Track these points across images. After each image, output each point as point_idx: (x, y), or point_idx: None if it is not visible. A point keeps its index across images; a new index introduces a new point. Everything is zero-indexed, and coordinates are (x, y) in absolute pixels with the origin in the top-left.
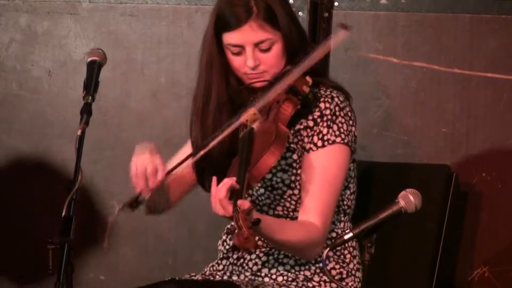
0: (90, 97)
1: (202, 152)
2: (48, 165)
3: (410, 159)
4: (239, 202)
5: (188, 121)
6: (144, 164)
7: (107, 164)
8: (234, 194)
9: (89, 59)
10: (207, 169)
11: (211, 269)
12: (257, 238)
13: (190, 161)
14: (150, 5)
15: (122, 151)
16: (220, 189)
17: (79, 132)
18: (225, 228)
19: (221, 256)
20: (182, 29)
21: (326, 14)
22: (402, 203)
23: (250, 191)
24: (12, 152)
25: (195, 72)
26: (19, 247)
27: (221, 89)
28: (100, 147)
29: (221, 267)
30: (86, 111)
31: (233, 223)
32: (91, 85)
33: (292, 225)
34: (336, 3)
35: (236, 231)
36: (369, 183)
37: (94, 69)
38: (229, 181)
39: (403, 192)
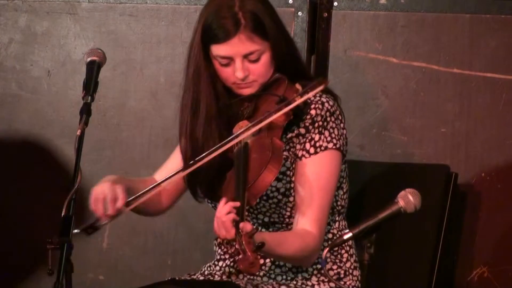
0: (89, 97)
1: (193, 167)
2: (48, 165)
3: (410, 159)
4: (241, 225)
5: None
6: (104, 191)
7: (107, 164)
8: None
9: (89, 59)
10: (199, 182)
11: (209, 269)
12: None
13: (180, 175)
14: (150, 5)
15: (122, 151)
16: (220, 213)
17: (78, 132)
18: None
19: (218, 257)
20: (181, 29)
21: (326, 14)
22: (401, 203)
23: (253, 206)
24: (11, 152)
25: None
26: (19, 247)
27: (210, 100)
28: (100, 147)
29: (218, 267)
30: (86, 111)
31: (236, 246)
32: (90, 85)
33: (289, 238)
34: (335, 3)
35: (240, 255)
36: (368, 183)
37: (93, 69)
38: (229, 204)
39: (402, 192)
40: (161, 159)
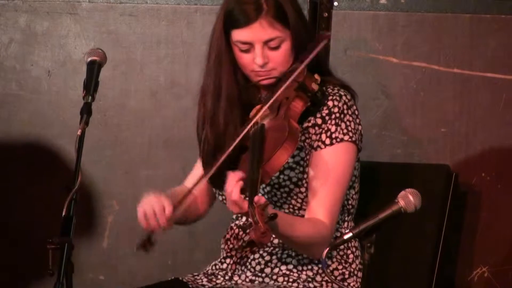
0: (89, 97)
1: (215, 167)
2: (48, 165)
3: (410, 159)
4: (256, 198)
5: (186, 121)
6: (151, 205)
7: (107, 164)
8: (248, 191)
9: (89, 59)
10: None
11: (214, 268)
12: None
13: (204, 180)
14: (150, 5)
15: (122, 151)
16: (233, 189)
17: (79, 132)
18: (228, 228)
19: (224, 255)
20: (182, 29)
21: (326, 14)
22: (401, 203)
23: (266, 183)
24: (11, 152)
25: (194, 72)
26: (19, 247)
27: (231, 85)
28: (100, 147)
29: (224, 265)
30: (86, 111)
31: (248, 219)
32: (90, 85)
33: (302, 221)
34: (335, 3)
35: (253, 226)
36: (368, 183)
37: (94, 69)
38: (240, 180)
39: (402, 192)
40: (161, 159)
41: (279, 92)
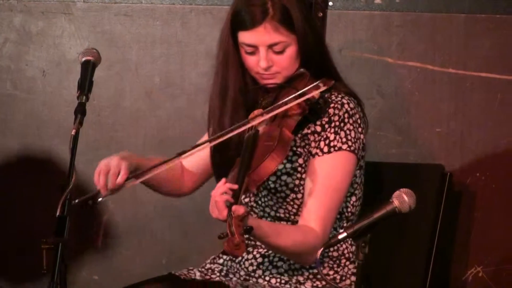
0: (84, 97)
1: (196, 150)
2: (43, 165)
3: (404, 159)
4: (233, 207)
5: (181, 121)
6: (109, 165)
7: None
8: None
9: (83, 59)
10: (221, 164)
11: (213, 261)
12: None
13: (184, 156)
14: (145, 5)
15: (117, 150)
16: (216, 192)
17: (73, 132)
18: None
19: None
20: (176, 29)
21: (321, 14)
22: (396, 203)
23: (253, 192)
24: (6, 152)
25: (189, 71)
26: (14, 247)
27: (238, 86)
28: (95, 147)
29: (221, 261)
30: (80, 111)
31: (226, 228)
32: (85, 85)
33: (289, 230)
34: (330, 3)
35: (228, 236)
36: (363, 183)
37: (88, 69)
38: (226, 185)
39: (397, 192)
40: None
41: (280, 109)
